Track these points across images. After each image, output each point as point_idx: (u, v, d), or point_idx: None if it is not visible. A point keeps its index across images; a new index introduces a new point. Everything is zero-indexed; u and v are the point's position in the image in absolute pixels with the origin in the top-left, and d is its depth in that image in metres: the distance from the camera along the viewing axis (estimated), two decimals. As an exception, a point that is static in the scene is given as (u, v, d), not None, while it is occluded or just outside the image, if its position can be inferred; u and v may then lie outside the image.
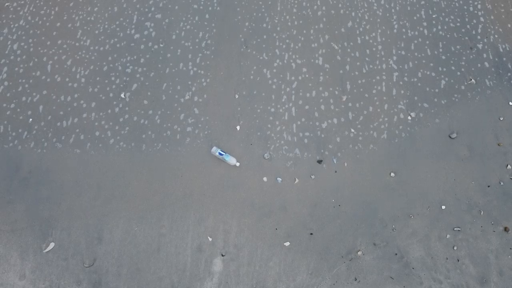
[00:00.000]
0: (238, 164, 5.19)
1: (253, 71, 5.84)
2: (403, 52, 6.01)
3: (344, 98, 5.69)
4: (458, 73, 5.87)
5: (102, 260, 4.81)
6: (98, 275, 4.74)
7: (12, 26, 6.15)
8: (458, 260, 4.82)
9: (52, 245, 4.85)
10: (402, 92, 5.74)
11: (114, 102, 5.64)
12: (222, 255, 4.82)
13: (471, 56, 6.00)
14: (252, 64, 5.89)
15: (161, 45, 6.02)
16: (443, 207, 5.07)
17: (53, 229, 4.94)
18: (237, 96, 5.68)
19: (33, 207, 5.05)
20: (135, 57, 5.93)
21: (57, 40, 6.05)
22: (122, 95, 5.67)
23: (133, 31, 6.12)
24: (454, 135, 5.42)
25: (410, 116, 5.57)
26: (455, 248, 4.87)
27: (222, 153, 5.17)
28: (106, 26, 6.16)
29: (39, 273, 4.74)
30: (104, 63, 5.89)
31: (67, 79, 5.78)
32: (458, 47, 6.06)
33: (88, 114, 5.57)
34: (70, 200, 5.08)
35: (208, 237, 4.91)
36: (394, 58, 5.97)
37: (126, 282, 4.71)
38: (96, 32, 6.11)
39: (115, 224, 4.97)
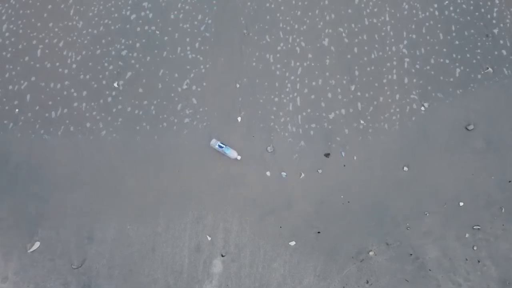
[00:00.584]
0: (239, 157, 4.66)
1: (255, 57, 5.10)
2: (414, 36, 5.26)
3: (353, 87, 4.92)
4: (474, 61, 5.14)
5: (92, 260, 4.29)
6: (88, 276, 4.19)
7: (1, 5, 5.32)
8: (479, 261, 4.33)
9: (37, 244, 4.25)
10: (415, 81, 5.02)
11: (107, 91, 4.93)
12: (222, 256, 4.34)
13: (487, 43, 5.22)
14: (254, 50, 5.13)
15: (158, 29, 5.22)
16: (461, 203, 4.50)
17: (40, 227, 4.36)
18: (238, 85, 4.95)
19: (21, 204, 4.53)
20: (130, 41, 5.18)
21: (48, 22, 5.30)
22: (115, 84, 4.91)
23: (128, 12, 5.31)
24: (471, 127, 4.79)
25: (424, 106, 4.92)
26: (474, 248, 4.36)
27: (222, 145, 4.62)
28: (101, 6, 5.34)
29: (23, 275, 4.17)
30: (98, 47, 5.15)
31: (57, 64, 5.08)
32: (472, 31, 5.29)
33: (78, 103, 4.89)
34: (60, 197, 4.55)
35: (207, 236, 4.41)
36: (405, 42, 5.22)
37: (118, 285, 4.24)
38: (90, 14, 5.32)
39: (107, 222, 4.43)
